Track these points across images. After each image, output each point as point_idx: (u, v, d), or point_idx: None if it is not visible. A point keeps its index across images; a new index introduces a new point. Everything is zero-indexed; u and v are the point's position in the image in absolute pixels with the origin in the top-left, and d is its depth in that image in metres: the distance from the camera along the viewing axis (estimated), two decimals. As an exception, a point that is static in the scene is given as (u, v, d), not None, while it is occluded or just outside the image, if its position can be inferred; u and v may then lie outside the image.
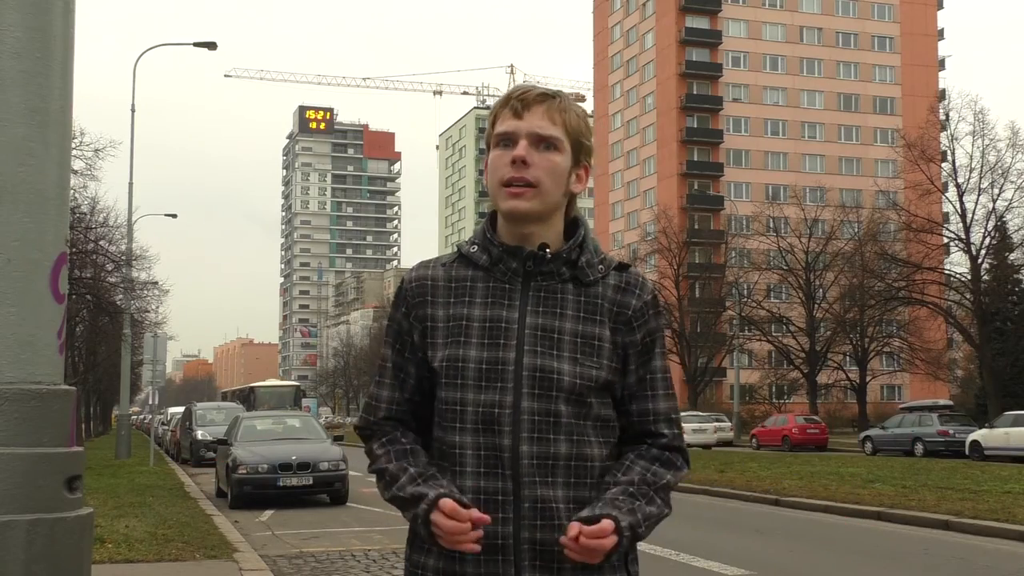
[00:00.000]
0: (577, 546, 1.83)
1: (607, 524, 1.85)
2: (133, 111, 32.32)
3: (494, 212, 2.06)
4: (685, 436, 2.20)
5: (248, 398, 49.54)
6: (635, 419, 2.03)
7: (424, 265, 2.09)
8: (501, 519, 1.90)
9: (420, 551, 1.99)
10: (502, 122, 2.01)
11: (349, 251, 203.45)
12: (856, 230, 53.86)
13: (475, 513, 1.86)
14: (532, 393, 1.93)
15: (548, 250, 1.99)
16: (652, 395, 2.03)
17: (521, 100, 2.00)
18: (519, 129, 1.98)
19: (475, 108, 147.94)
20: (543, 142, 1.98)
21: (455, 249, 2.10)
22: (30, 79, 2.53)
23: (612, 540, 1.85)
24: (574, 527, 1.84)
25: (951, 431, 34.24)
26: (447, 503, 1.86)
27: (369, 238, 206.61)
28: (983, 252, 43.93)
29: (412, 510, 1.93)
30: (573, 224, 2.07)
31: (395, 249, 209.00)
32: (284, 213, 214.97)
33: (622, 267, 2.07)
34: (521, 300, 1.99)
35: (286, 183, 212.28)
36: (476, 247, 2.04)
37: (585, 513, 1.88)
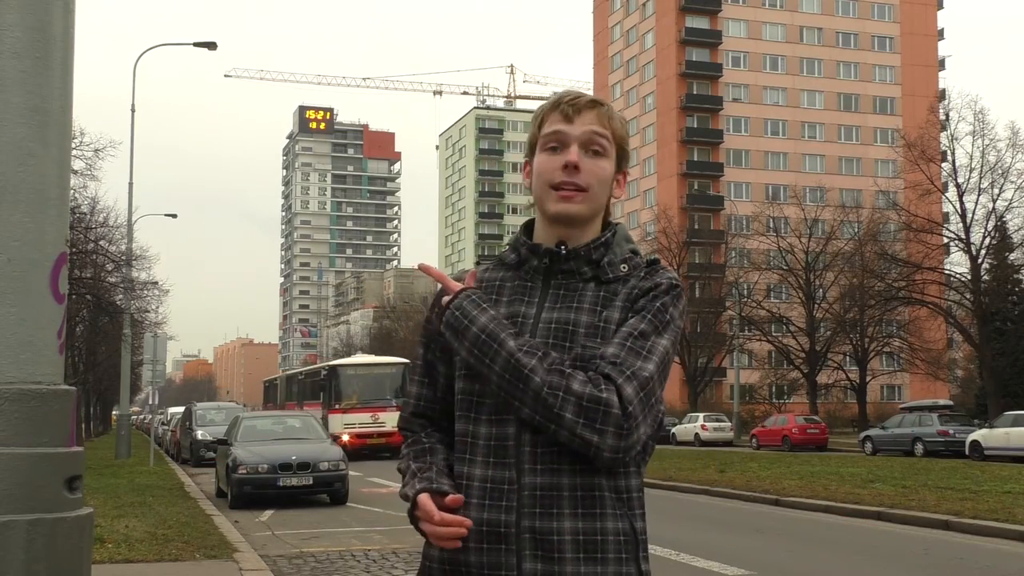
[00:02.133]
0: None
1: (447, 281, 2.01)
2: (133, 111, 32.33)
3: (530, 219, 2.12)
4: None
5: (327, 386, 33.75)
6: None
7: (462, 272, 2.17)
8: (504, 507, 1.91)
9: (428, 543, 2.02)
10: (551, 124, 2.04)
11: (349, 251, 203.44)
12: (856, 230, 53.86)
13: (449, 498, 1.90)
14: None
15: (564, 247, 2.02)
16: (606, 343, 1.94)
17: (572, 105, 2.03)
18: (570, 133, 2.01)
19: (475, 108, 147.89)
20: (593, 147, 2.01)
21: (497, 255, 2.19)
22: (30, 79, 2.53)
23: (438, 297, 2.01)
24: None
25: (951, 431, 34.23)
26: (421, 498, 1.92)
27: (369, 238, 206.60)
28: (983, 252, 43.94)
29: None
30: (606, 227, 2.10)
31: (395, 249, 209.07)
32: (284, 213, 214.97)
33: (652, 263, 2.07)
34: (540, 297, 2.02)
35: (286, 183, 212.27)
36: (508, 248, 2.12)
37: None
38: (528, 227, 2.11)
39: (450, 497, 1.91)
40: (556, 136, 2.01)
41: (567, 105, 2.02)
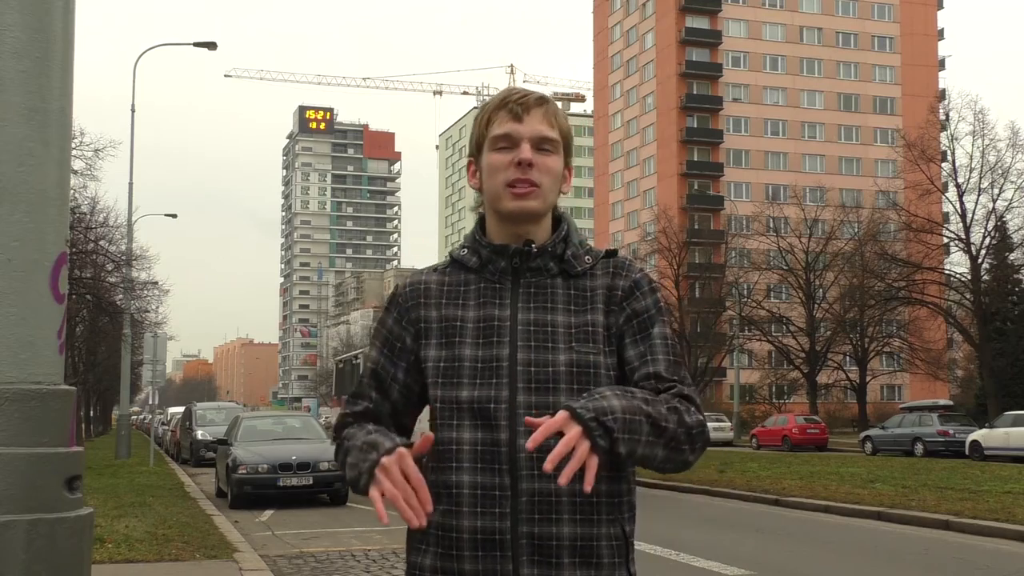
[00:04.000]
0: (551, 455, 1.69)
1: (559, 416, 1.72)
2: (133, 111, 32.32)
3: (483, 217, 2.09)
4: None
5: None
6: (641, 386, 1.94)
7: (418, 272, 2.12)
8: (498, 514, 1.89)
9: (416, 552, 1.98)
10: (500, 124, 2.01)
11: (349, 251, 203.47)
12: (856, 230, 53.87)
13: (423, 493, 1.79)
14: (528, 387, 1.93)
15: (534, 245, 2.01)
16: (652, 359, 1.97)
17: (521, 104, 2.01)
18: (520, 132, 1.99)
19: (475, 108, 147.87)
20: (544, 145, 2.00)
21: (448, 256, 2.11)
22: (30, 79, 2.52)
23: (576, 431, 1.70)
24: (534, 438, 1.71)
25: (951, 431, 34.22)
26: (404, 452, 1.81)
27: (369, 238, 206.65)
28: (983, 252, 43.95)
29: (364, 460, 1.87)
30: (556, 221, 2.09)
31: (395, 249, 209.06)
32: (284, 213, 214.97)
33: (610, 254, 2.07)
34: (512, 298, 2.00)
35: (286, 183, 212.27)
36: (466, 250, 2.06)
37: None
38: (480, 226, 2.08)
39: (425, 497, 1.80)
40: (506, 137, 2.00)
41: (515, 104, 2.01)
